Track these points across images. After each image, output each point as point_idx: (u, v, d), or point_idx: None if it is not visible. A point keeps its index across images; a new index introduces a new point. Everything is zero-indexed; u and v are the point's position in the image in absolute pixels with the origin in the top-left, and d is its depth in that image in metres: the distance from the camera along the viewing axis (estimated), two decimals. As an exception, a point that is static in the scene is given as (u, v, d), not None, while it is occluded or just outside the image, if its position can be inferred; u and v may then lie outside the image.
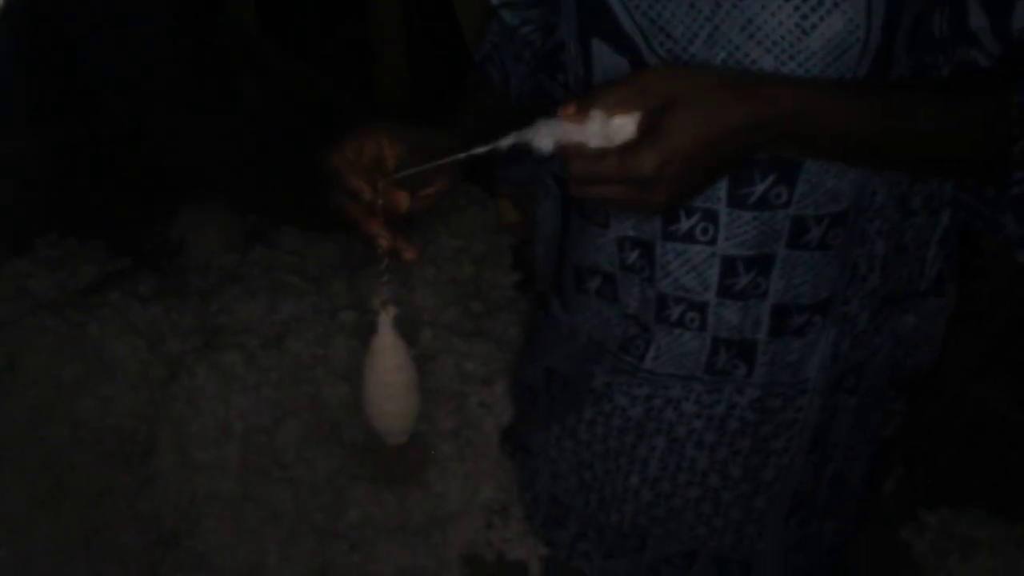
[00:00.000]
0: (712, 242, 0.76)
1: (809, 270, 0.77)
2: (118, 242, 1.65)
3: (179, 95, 2.12)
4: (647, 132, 0.59)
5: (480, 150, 0.64)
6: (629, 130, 0.60)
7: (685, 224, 0.76)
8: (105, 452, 1.22)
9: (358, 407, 1.08)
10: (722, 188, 0.73)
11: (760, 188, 0.73)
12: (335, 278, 1.48)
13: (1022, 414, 1.32)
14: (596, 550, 0.95)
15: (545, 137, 0.62)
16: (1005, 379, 1.30)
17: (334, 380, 1.28)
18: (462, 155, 0.66)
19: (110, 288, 1.41)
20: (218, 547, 1.17)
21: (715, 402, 0.82)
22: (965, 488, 1.29)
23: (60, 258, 1.59)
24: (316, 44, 2.11)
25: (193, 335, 1.35)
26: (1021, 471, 1.28)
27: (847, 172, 0.73)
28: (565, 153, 0.61)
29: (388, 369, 0.71)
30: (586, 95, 0.60)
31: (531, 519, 1.03)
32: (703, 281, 0.78)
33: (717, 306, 0.78)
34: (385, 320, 0.70)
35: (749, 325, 0.79)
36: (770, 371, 0.80)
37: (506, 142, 0.63)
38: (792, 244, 0.76)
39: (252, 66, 2.21)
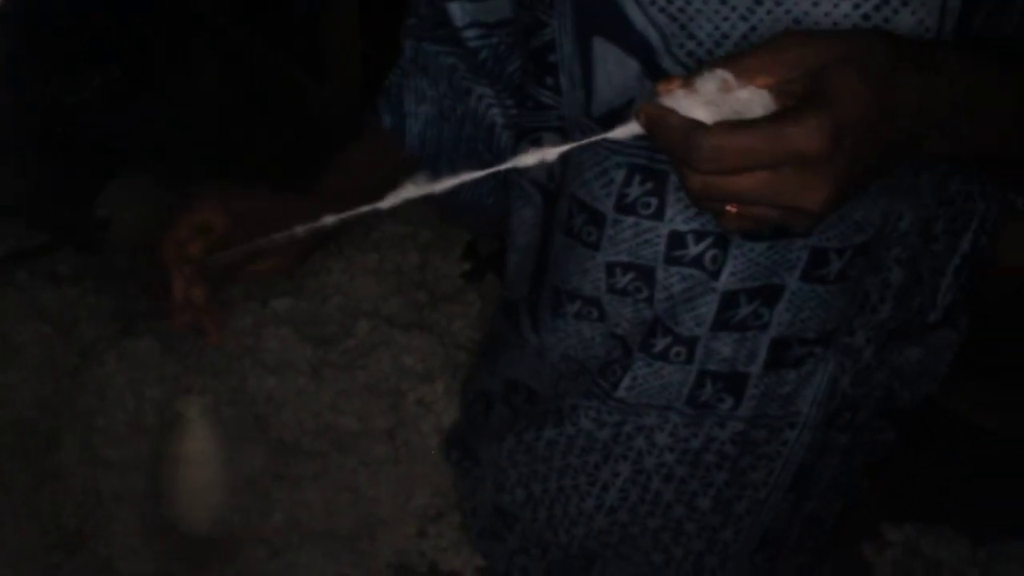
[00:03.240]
0: (716, 275, 0.66)
1: (820, 303, 0.67)
2: (39, 219, 1.54)
3: (120, 67, 2.03)
4: (803, 100, 0.45)
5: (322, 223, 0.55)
6: (763, 105, 0.46)
7: (694, 249, 0.66)
8: (2, 445, 1.12)
9: (285, 403, 1.00)
10: None
11: None
12: (270, 262, 1.38)
13: (996, 424, 1.26)
14: (536, 566, 0.87)
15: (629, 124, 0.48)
16: (974, 388, 1.24)
17: (261, 373, 1.19)
18: (282, 235, 0.59)
19: (19, 267, 1.31)
20: (124, 551, 1.07)
21: (692, 436, 0.73)
22: (933, 502, 1.23)
23: (-35, 234, 1.48)
24: (264, 13, 2.02)
25: (111, 321, 1.26)
26: (993, 486, 1.22)
27: (878, 200, 0.63)
28: (672, 140, 0.45)
29: (194, 460, 0.73)
30: (689, 73, 0.47)
31: (469, 528, 0.95)
32: (697, 316, 0.68)
33: (709, 339, 0.69)
34: (190, 411, 0.72)
35: (743, 358, 0.69)
36: (759, 404, 0.71)
37: (528, 159, 0.50)
38: (806, 277, 0.65)
39: (200, 38, 2.11)
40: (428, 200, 0.85)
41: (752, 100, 0.46)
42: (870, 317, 0.71)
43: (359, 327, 1.24)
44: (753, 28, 0.59)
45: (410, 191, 0.50)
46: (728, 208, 0.47)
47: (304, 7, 1.93)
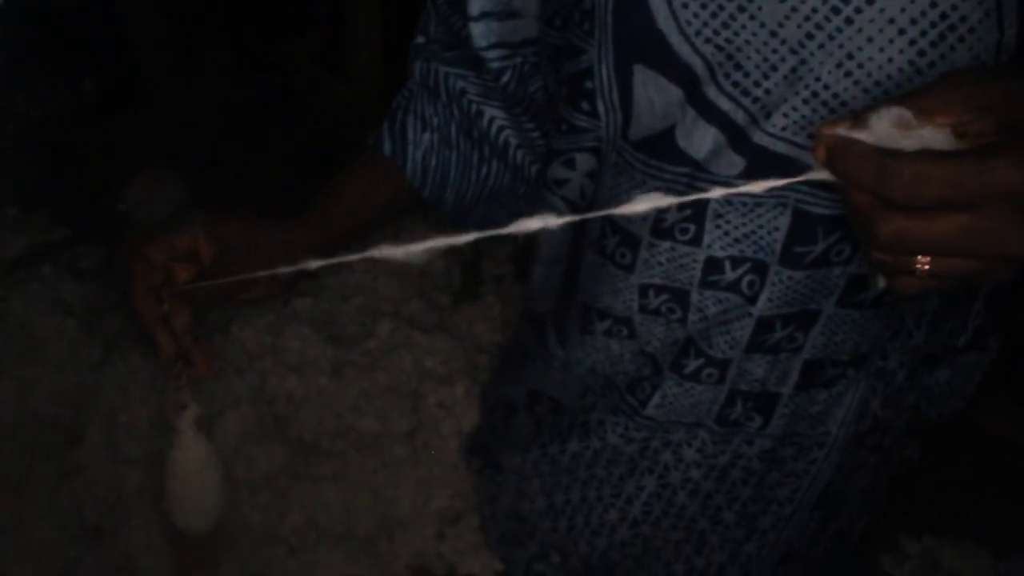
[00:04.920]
0: (753, 300, 0.65)
1: (855, 328, 0.66)
2: (62, 213, 1.55)
3: (146, 66, 2.03)
4: (998, 138, 0.42)
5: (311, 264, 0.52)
6: (947, 144, 0.43)
7: (731, 275, 0.65)
8: (24, 439, 1.12)
9: (305, 403, 1.01)
10: (778, 242, 0.62)
11: (821, 247, 0.62)
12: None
13: (1020, 437, 1.25)
14: (555, 574, 0.86)
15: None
16: (1004, 403, 1.23)
17: (283, 371, 1.20)
18: (261, 273, 0.57)
19: (43, 261, 1.31)
20: (144, 547, 1.08)
21: (719, 452, 0.73)
22: (953, 515, 1.22)
23: (-9, 228, 1.49)
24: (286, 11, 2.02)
25: (133, 316, 1.25)
26: (1014, 499, 1.21)
27: None
28: (863, 169, 0.42)
29: (188, 470, 0.74)
30: (858, 111, 0.44)
31: (487, 532, 0.95)
32: (731, 340, 0.67)
33: (742, 361, 0.68)
34: (184, 421, 0.73)
35: (775, 378, 0.68)
36: (789, 423, 0.71)
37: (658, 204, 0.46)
38: (843, 302, 0.65)
39: (222, 38, 2.11)
40: (430, 208, 0.85)
41: (935, 139, 0.43)
42: (905, 342, 0.70)
43: (380, 328, 1.24)
44: (803, 61, 0.57)
45: (409, 245, 0.48)
46: (919, 264, 0.44)
47: (326, 5, 1.93)
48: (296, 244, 0.69)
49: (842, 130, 0.43)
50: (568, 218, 0.46)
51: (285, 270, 0.55)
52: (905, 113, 0.43)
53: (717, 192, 0.48)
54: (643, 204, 0.46)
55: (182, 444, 0.73)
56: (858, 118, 0.44)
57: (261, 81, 1.99)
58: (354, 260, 0.47)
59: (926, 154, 0.41)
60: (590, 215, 0.50)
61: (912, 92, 0.45)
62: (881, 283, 0.50)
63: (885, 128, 0.43)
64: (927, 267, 0.43)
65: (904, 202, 0.41)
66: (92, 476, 1.11)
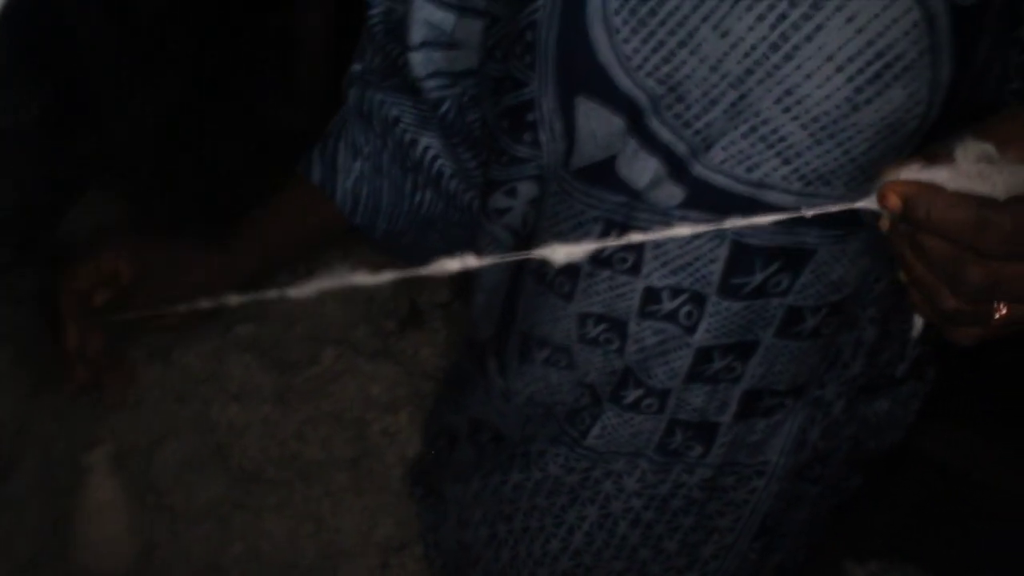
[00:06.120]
0: (691, 330, 0.65)
1: (793, 359, 0.67)
2: (2, 235, 1.51)
3: (92, 87, 2.00)
4: None
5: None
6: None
7: (669, 305, 0.65)
8: (-46, 470, 1.09)
9: (248, 430, 0.99)
10: (716, 273, 0.62)
11: (759, 277, 0.62)
12: (236, 285, 1.36)
13: (964, 464, 1.26)
14: (500, 603, 0.85)
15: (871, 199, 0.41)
16: (946, 428, 1.24)
17: (225, 399, 1.18)
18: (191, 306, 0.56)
19: (-21, 285, 1.28)
20: (81, 582, 1.05)
21: (660, 481, 0.73)
22: (898, 540, 1.23)
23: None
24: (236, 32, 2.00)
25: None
26: (958, 524, 1.22)
27: (856, 261, 0.63)
28: (953, 220, 0.40)
29: (97, 511, 0.74)
30: (932, 147, 0.42)
31: (431, 561, 0.94)
32: (670, 370, 0.67)
33: (681, 391, 0.68)
34: (95, 458, 0.73)
35: (714, 408, 0.69)
36: (729, 452, 0.71)
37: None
38: (781, 333, 0.65)
39: (167, 56, 2.09)
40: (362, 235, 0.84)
41: (1022, 172, 0.40)
42: (842, 372, 0.71)
43: (325, 354, 1.22)
44: (743, 96, 0.58)
45: (326, 281, 0.47)
46: (998, 310, 0.43)
47: (277, 25, 1.91)
48: (225, 269, 0.67)
49: (915, 172, 0.41)
50: (487, 260, 0.45)
51: (202, 303, 0.54)
52: (989, 147, 0.41)
53: (655, 235, 0.48)
54: (561, 251, 0.45)
55: (91, 483, 0.71)
56: (931, 154, 0.42)
57: (209, 104, 1.98)
58: (270, 296, 0.46)
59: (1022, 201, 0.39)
60: (509, 257, 0.50)
61: (987, 124, 0.43)
62: (916, 331, 0.49)
63: (972, 165, 0.41)
64: (1005, 314, 0.42)
65: (1003, 253, 0.40)
66: (26, 507, 1.08)
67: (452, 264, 0.45)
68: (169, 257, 0.70)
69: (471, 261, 0.45)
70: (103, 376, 0.68)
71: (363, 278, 0.46)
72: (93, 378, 0.68)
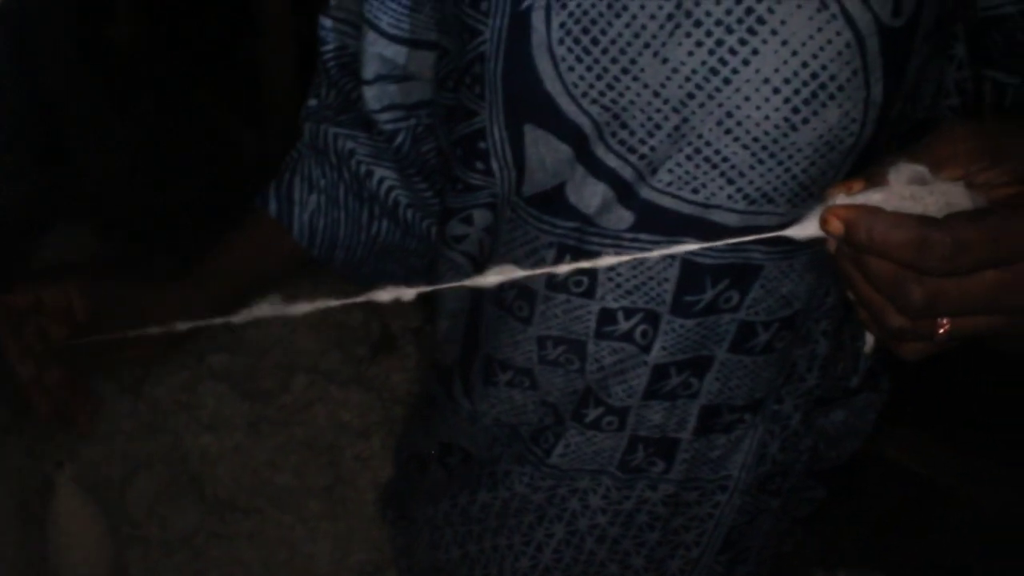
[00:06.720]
0: (647, 349, 0.67)
1: (748, 373, 0.69)
2: (-30, 272, 1.51)
3: (63, 119, 2.01)
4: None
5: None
6: (969, 198, 0.41)
7: (624, 325, 0.67)
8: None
9: (221, 460, 0.99)
10: (668, 292, 0.64)
11: (709, 295, 0.64)
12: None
13: (930, 471, 1.28)
14: (473, 624, 0.86)
15: (810, 223, 0.42)
16: (908, 434, 1.26)
17: (197, 429, 1.18)
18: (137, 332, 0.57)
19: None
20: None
21: (624, 498, 0.75)
22: (865, 547, 1.25)
23: None
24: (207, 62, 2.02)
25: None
26: (925, 532, 1.24)
27: (805, 276, 0.65)
28: (894, 242, 0.40)
29: (70, 523, 0.75)
30: (871, 169, 0.43)
31: (405, 586, 0.94)
32: (629, 388, 0.69)
33: (640, 408, 0.70)
34: (63, 476, 0.74)
35: (673, 424, 0.70)
36: (690, 468, 0.73)
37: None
38: (734, 349, 0.67)
39: (138, 87, 2.10)
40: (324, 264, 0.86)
41: (954, 193, 0.41)
42: (797, 386, 0.73)
43: (296, 382, 1.23)
44: (685, 120, 0.60)
45: (264, 309, 0.48)
46: (941, 326, 0.43)
47: (245, 56, 1.93)
48: (185, 304, 0.68)
49: (851, 195, 0.42)
50: (420, 288, 0.47)
51: (154, 330, 0.55)
52: (921, 169, 0.42)
53: (606, 260, 0.49)
54: (493, 276, 0.46)
55: (61, 498, 0.73)
56: (873, 176, 0.43)
57: (179, 134, 1.98)
58: (217, 323, 0.47)
59: (961, 218, 0.40)
60: (443, 286, 0.51)
61: (921, 147, 0.43)
62: (868, 347, 0.50)
63: (904, 187, 0.41)
64: (947, 329, 0.43)
65: (943, 270, 0.40)
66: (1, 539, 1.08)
67: (383, 295, 0.46)
68: (127, 294, 0.71)
69: (406, 292, 0.46)
70: (67, 406, 0.69)
71: (302, 307, 0.47)
72: (54, 409, 0.69)
